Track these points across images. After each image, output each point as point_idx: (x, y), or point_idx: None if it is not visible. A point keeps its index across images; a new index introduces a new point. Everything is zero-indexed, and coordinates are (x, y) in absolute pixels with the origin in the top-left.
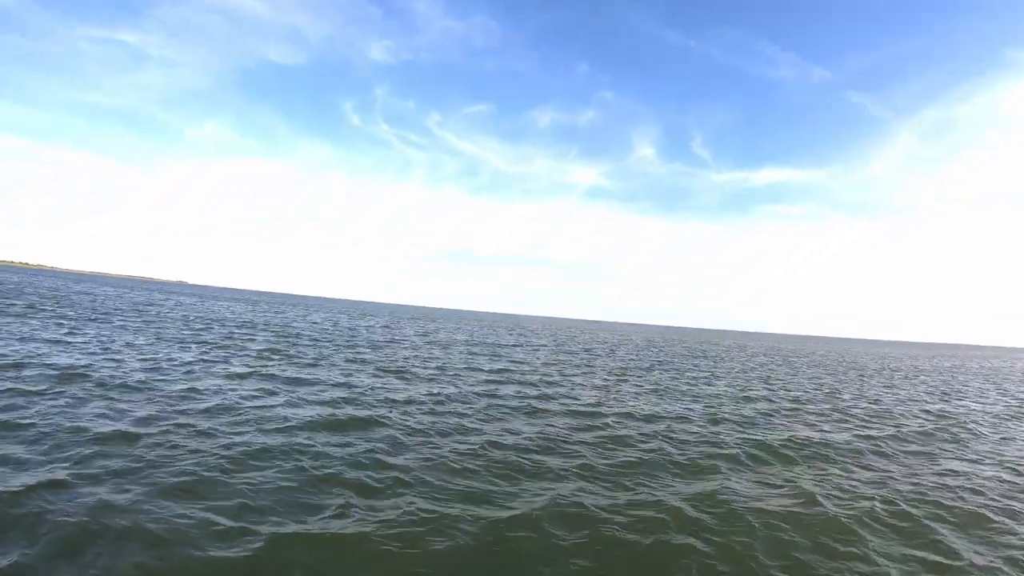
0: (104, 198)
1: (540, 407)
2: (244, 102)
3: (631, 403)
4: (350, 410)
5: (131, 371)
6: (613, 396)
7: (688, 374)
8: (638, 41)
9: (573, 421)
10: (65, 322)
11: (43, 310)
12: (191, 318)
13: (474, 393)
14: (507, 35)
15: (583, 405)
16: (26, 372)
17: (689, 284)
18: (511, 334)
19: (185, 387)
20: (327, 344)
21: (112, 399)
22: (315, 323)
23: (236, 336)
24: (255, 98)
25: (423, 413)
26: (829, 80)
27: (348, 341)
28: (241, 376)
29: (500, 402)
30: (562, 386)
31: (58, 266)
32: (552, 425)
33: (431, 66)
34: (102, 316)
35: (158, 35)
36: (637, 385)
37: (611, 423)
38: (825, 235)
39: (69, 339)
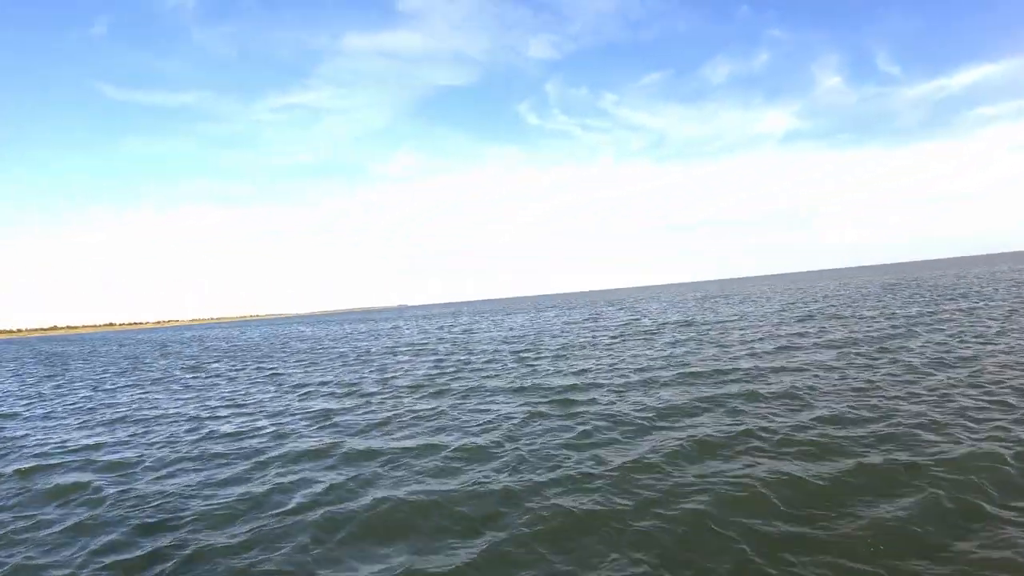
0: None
1: None
2: (426, 127)
3: None
4: None
5: None
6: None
7: None
8: None
9: None
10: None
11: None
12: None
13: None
14: None
15: None
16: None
17: (909, 213)
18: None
19: None
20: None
21: None
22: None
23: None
24: (436, 122)
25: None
26: None
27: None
28: None
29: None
30: None
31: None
32: None
33: (594, 49)
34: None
35: (326, 90)
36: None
37: None
38: None
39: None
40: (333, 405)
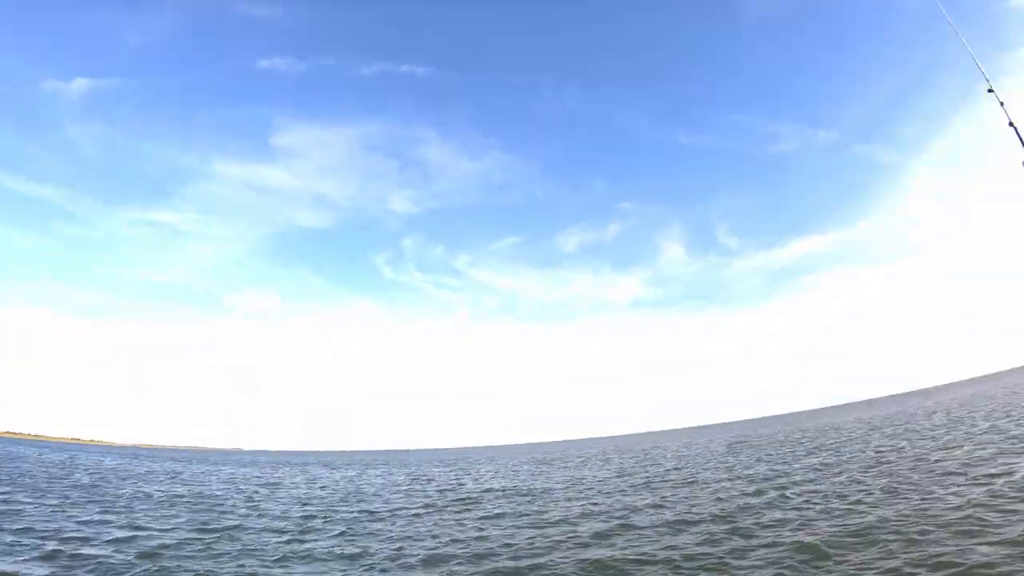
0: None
1: None
2: (282, 266)
3: None
4: None
5: None
6: None
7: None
8: (648, 147)
9: None
10: None
11: None
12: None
13: None
14: (522, 166)
15: None
16: None
17: (735, 375)
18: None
19: None
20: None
21: None
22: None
23: None
24: (294, 262)
25: None
26: (835, 139)
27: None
28: None
29: None
30: None
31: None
32: None
33: (454, 209)
34: None
35: (189, 212)
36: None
37: None
38: (862, 290)
39: None
40: None
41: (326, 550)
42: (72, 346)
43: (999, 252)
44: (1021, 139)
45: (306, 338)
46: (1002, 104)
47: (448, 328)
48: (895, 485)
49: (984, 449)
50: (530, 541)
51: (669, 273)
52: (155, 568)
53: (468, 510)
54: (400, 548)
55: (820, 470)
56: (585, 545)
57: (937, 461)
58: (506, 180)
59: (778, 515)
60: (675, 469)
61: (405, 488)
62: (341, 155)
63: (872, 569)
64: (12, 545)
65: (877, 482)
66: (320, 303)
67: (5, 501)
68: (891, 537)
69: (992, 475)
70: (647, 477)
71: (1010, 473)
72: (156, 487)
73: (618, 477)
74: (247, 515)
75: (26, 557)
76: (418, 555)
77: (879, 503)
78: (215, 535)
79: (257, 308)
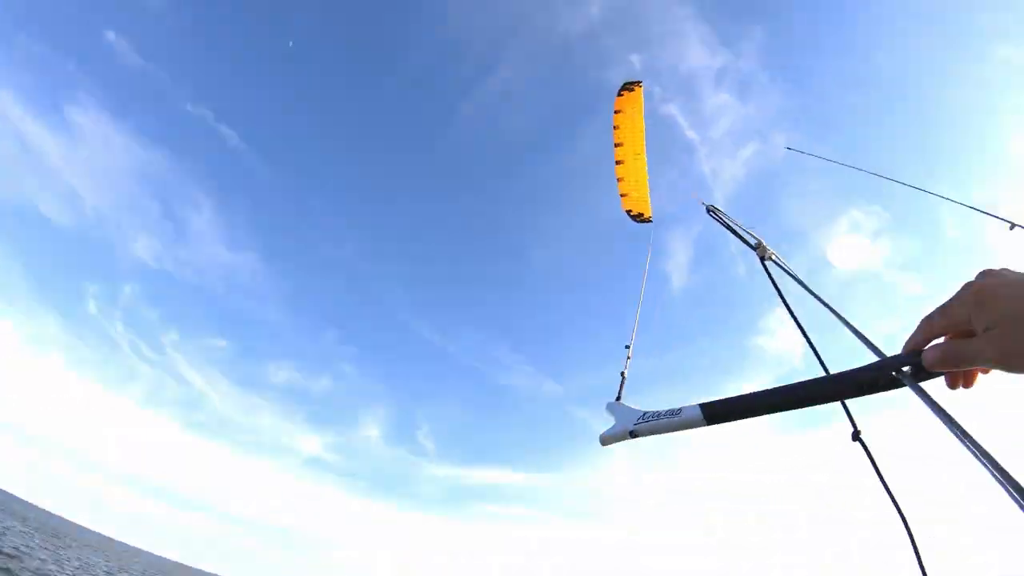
0: None
1: None
2: None
3: None
4: None
5: None
6: None
7: None
8: (388, 325)
9: None
10: None
11: None
12: None
13: None
14: (270, 282)
15: None
16: None
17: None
18: None
19: None
20: None
21: None
22: None
23: None
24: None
25: None
26: (559, 394)
27: None
28: None
29: None
30: None
31: None
32: None
33: (188, 284)
34: None
35: None
36: None
37: None
38: (538, 537)
39: None
40: None
41: None
42: None
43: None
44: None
45: None
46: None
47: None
48: None
49: None
50: None
51: (361, 448)
52: None
53: None
54: None
55: None
56: None
57: None
58: (250, 286)
59: None
60: None
61: None
62: None
63: None
64: None
65: None
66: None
67: None
68: None
69: None
70: None
71: None
72: None
73: None
74: None
75: None
76: None
77: None
78: None
79: None
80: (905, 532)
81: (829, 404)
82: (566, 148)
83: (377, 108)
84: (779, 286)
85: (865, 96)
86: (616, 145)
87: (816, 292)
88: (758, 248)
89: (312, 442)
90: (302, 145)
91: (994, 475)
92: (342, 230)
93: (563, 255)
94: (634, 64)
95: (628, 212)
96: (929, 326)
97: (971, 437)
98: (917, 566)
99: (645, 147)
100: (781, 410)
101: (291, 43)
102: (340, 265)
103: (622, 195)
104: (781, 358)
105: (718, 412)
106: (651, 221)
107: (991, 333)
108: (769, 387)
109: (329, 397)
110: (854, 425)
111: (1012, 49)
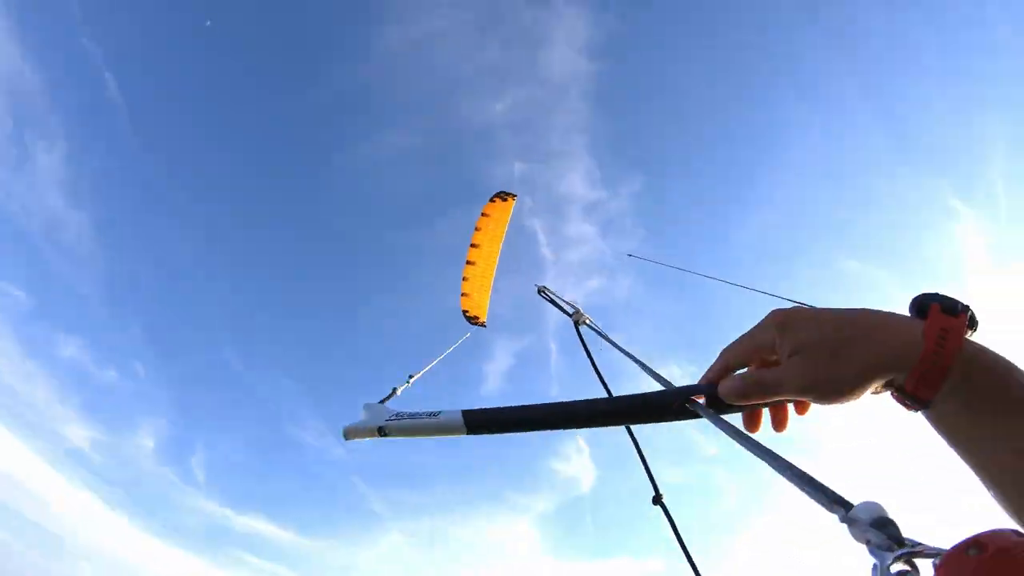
0: None
1: None
2: None
3: None
4: None
5: None
6: None
7: None
8: (196, 334)
9: None
10: None
11: None
12: None
13: None
14: (94, 251)
15: None
16: None
17: None
18: None
19: None
20: None
21: None
22: None
23: None
24: None
25: None
26: (347, 462)
27: None
28: None
29: None
30: None
31: None
32: None
33: (10, 219)
34: None
35: None
36: None
37: None
38: None
39: None
40: None
41: None
42: None
43: None
44: None
45: None
46: None
47: None
48: None
49: None
50: None
51: (126, 455)
52: None
53: None
54: None
55: None
56: None
57: None
58: None
59: None
60: None
61: None
62: None
63: None
64: None
65: None
66: None
67: None
68: None
69: None
70: None
71: None
72: None
73: None
74: None
75: None
76: None
77: None
78: None
79: None
80: None
81: None
82: (425, 228)
83: (268, 123)
84: (590, 351)
85: (719, 264)
86: (472, 245)
87: (625, 348)
88: (574, 315)
89: (79, 433)
90: (176, 122)
91: (802, 488)
92: (184, 227)
93: (390, 329)
94: (515, 171)
95: (464, 312)
96: (730, 355)
97: (772, 452)
98: None
99: (498, 256)
100: (555, 428)
101: (208, 22)
102: (169, 259)
103: (463, 294)
104: (570, 484)
105: (481, 421)
106: (484, 326)
107: (795, 360)
108: (544, 402)
109: (112, 391)
110: (656, 488)
111: (858, 264)
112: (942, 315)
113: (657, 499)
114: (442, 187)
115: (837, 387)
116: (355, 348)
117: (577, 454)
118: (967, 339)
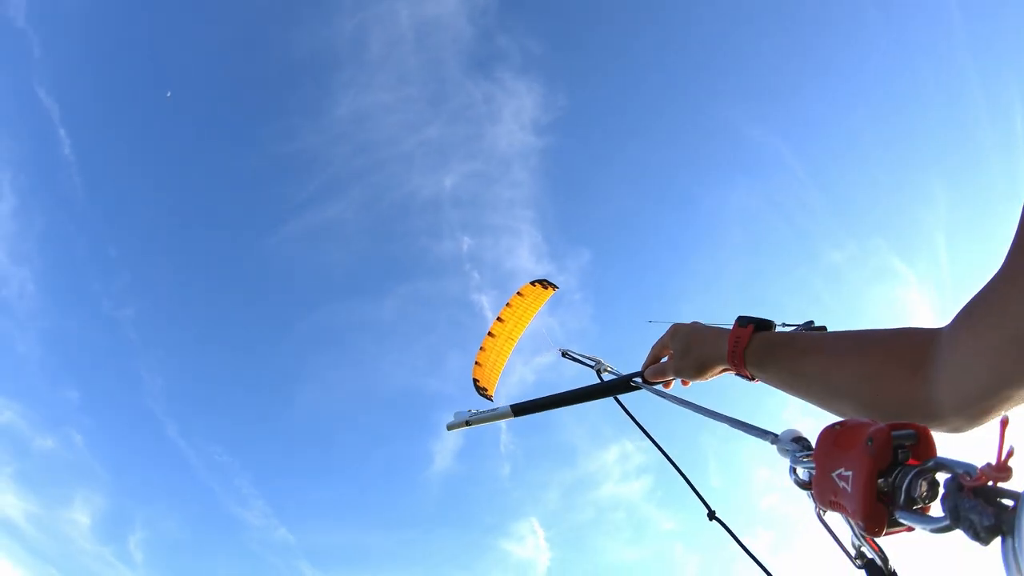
0: None
1: None
2: None
3: None
4: None
5: None
6: None
7: None
8: (136, 407)
9: None
10: None
11: None
12: None
13: None
14: (34, 311)
15: None
16: None
17: None
18: None
19: None
20: None
21: None
22: None
23: None
24: None
25: None
26: (292, 544)
27: None
28: None
29: None
30: None
31: None
32: None
33: None
34: None
35: None
36: None
37: None
38: None
39: None
40: None
41: None
42: None
43: None
44: None
45: None
46: None
47: None
48: None
49: None
50: None
51: (63, 531)
52: None
53: None
54: None
55: None
56: None
57: None
58: None
59: None
60: None
61: None
62: None
63: None
64: None
65: None
66: None
67: None
68: None
69: None
70: None
71: None
72: None
73: None
74: None
75: None
76: None
77: None
78: None
79: None
80: None
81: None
82: (371, 302)
83: (216, 190)
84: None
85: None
86: (498, 319)
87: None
88: (596, 365)
89: (12, 503)
90: (126, 187)
91: (738, 427)
92: (126, 292)
93: (332, 404)
94: (463, 245)
95: (475, 380)
96: (651, 352)
97: (698, 405)
98: None
99: (519, 339)
100: (567, 404)
101: (169, 94)
102: (110, 325)
103: (477, 363)
104: (524, 566)
105: (521, 407)
106: (491, 399)
107: (672, 356)
108: (561, 391)
109: (49, 460)
110: (707, 506)
111: (840, 254)
112: (738, 327)
113: (711, 515)
114: (387, 261)
115: (688, 373)
116: (293, 420)
117: (532, 535)
118: (757, 335)
